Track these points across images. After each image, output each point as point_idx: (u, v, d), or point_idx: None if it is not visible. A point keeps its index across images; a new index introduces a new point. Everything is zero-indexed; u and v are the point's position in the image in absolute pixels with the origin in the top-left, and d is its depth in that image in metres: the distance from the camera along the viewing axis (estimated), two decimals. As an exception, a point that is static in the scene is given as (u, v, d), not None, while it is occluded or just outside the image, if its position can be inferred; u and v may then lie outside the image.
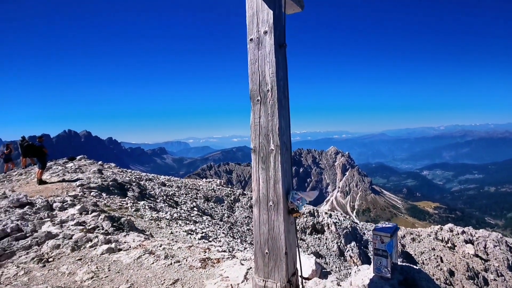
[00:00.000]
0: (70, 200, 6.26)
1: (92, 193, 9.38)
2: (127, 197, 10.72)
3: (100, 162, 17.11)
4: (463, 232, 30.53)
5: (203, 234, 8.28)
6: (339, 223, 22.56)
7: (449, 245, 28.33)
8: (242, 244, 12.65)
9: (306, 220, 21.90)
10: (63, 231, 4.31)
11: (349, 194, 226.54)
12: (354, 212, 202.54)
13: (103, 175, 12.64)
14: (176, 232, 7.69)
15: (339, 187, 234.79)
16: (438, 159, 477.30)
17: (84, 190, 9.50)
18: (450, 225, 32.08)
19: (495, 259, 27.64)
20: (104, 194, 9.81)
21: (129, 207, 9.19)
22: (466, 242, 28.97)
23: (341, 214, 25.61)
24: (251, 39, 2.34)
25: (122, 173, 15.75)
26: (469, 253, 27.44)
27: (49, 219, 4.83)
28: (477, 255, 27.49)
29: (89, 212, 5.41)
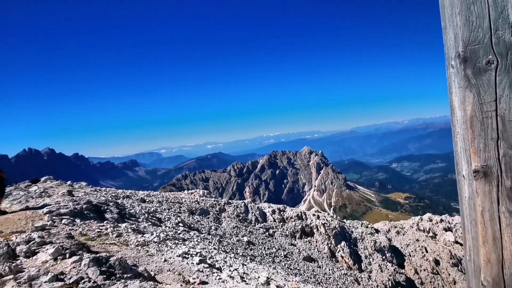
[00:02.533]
0: (39, 236, 5.01)
1: (63, 221, 8.05)
2: (106, 221, 9.45)
3: (69, 182, 15.39)
4: (442, 220, 31.65)
5: (200, 257, 7.32)
6: (328, 224, 22.28)
7: (431, 234, 29.17)
8: (237, 258, 11.75)
9: (295, 224, 21.36)
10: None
11: (325, 192, 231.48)
12: (331, 209, 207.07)
13: (74, 197, 11.17)
14: (170, 258, 6.67)
15: (315, 186, 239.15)
16: (405, 152, 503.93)
17: (54, 218, 8.14)
18: (429, 214, 33.17)
19: (472, 243, 28.85)
20: (78, 220, 8.50)
21: (110, 233, 7.99)
22: (446, 230, 30.01)
23: (328, 214, 25.42)
24: None
25: (95, 192, 14.21)
26: (449, 241, 28.40)
27: (11, 276, 3.44)
28: (457, 242, 28.51)
29: (67, 256, 4.21)
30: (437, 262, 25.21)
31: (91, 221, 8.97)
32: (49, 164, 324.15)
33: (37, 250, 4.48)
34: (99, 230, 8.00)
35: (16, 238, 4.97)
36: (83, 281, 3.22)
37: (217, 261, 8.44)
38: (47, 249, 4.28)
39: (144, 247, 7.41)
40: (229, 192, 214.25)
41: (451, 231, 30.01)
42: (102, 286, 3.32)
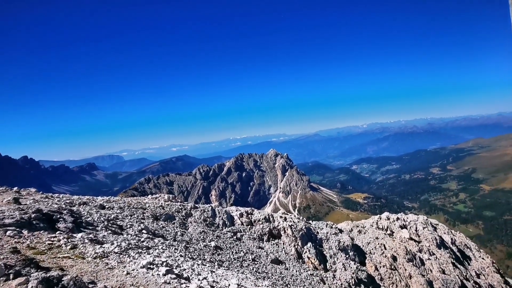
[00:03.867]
0: None
1: (8, 233, 7.12)
2: (58, 231, 8.56)
3: (15, 188, 13.83)
4: (398, 218, 33.69)
5: (167, 267, 6.88)
6: (295, 226, 22.55)
7: (389, 232, 30.89)
8: (205, 265, 11.34)
9: (263, 226, 21.33)
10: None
11: (290, 193, 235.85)
12: (296, 210, 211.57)
13: (21, 206, 10.02)
14: (133, 270, 6.16)
15: (280, 188, 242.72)
16: (364, 154, 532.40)
17: (-4, 229, 7.18)
18: (386, 213, 35.15)
19: (426, 239, 31.03)
20: (25, 232, 7.58)
21: (63, 245, 7.22)
22: (401, 227, 31.98)
23: (295, 216, 25.76)
24: None
25: (47, 199, 12.92)
26: (405, 237, 30.28)
27: None
28: (411, 238, 30.49)
29: (11, 276, 3.57)
30: (394, 258, 26.71)
31: (41, 232, 8.07)
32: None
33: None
34: (50, 242, 7.21)
35: None
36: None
37: (184, 269, 8.02)
38: None
39: (103, 259, 6.79)
40: (194, 196, 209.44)
41: (406, 228, 32.08)
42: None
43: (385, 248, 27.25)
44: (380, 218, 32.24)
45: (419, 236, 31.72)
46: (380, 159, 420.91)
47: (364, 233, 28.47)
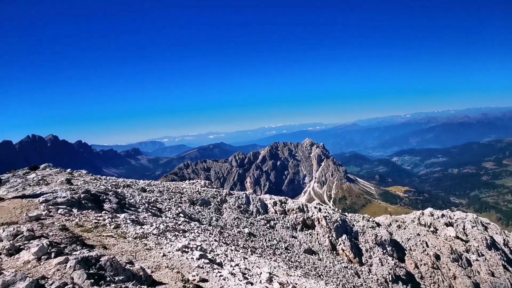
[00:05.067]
0: (28, 230, 4.68)
1: (60, 211, 7.78)
2: (104, 211, 9.19)
3: (68, 170, 15.12)
4: (443, 215, 31.43)
5: (201, 251, 7.05)
6: (329, 217, 22.07)
7: (432, 229, 29.00)
8: (238, 251, 11.54)
9: (296, 216, 21.17)
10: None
11: (326, 184, 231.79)
12: (331, 201, 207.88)
13: (72, 186, 10.90)
14: (169, 253, 6.40)
15: (315, 178, 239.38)
16: (406, 145, 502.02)
17: (50, 207, 7.86)
18: (430, 209, 32.97)
19: (474, 239, 28.68)
20: (75, 210, 8.23)
21: (107, 224, 7.72)
22: (447, 225, 29.83)
23: (330, 207, 25.19)
24: None
25: (95, 181, 13.95)
26: (450, 236, 28.24)
27: None
28: (458, 237, 28.35)
29: (52, 255, 3.85)
30: (437, 257, 25.10)
31: (89, 211, 8.70)
32: (53, 151, 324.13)
33: (22, 247, 4.15)
34: (96, 221, 7.73)
35: (3, 231, 4.66)
36: (66, 287, 2.88)
37: (218, 255, 8.19)
38: (32, 247, 3.94)
39: (142, 239, 7.14)
40: (230, 182, 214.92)
41: (452, 226, 29.84)
42: (88, 293, 2.98)
43: (427, 246, 25.67)
44: (423, 214, 30.33)
45: (466, 235, 29.40)
46: (424, 151, 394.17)
47: (404, 228, 27.04)
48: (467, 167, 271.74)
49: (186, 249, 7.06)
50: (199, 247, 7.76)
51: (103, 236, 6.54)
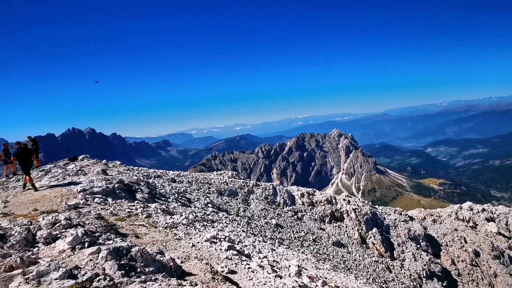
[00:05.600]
0: (65, 218, 4.93)
1: (96, 200, 8.17)
2: (136, 200, 9.53)
3: (104, 161, 15.89)
4: (483, 210, 29.38)
5: (229, 242, 7.07)
6: (359, 209, 21.44)
7: (471, 224, 27.24)
8: (266, 242, 11.54)
9: (324, 208, 20.79)
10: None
11: (354, 176, 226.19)
12: (360, 192, 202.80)
13: (107, 176, 11.41)
14: (198, 243, 6.48)
15: (343, 169, 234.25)
16: (442, 136, 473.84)
17: (87, 196, 8.28)
18: (469, 203, 30.93)
19: (518, 235, 26.64)
20: (110, 200, 8.60)
21: (140, 213, 7.98)
22: (488, 220, 27.88)
23: (359, 199, 24.47)
24: None
25: (128, 171, 14.55)
26: (492, 232, 26.40)
27: (21, 270, 3.17)
28: (500, 233, 26.46)
29: (86, 245, 3.98)
30: (477, 254, 23.62)
31: (122, 200, 9.05)
32: (91, 143, 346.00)
33: (59, 235, 4.36)
34: (129, 210, 8.01)
35: (43, 219, 4.94)
36: (97, 278, 2.91)
37: (246, 246, 8.20)
38: (68, 235, 4.10)
39: (172, 229, 7.30)
40: (256, 173, 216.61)
41: (494, 221, 27.84)
42: (119, 284, 3.00)
43: (466, 242, 24.21)
44: (461, 208, 28.54)
45: (510, 231, 27.35)
46: (462, 142, 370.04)
47: (440, 223, 25.65)
48: (510, 159, 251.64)
49: (215, 240, 7.12)
50: (227, 238, 7.81)
51: (136, 225, 6.76)
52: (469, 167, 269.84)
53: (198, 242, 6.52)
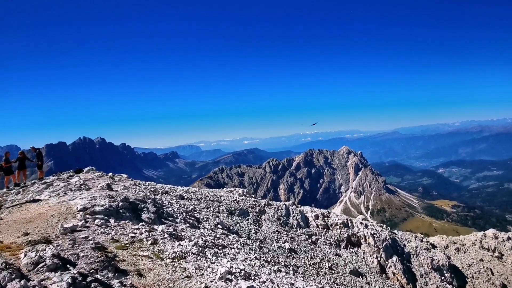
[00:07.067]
0: (53, 255, 3.93)
1: (96, 221, 7.26)
2: (142, 222, 8.57)
3: (110, 174, 15.11)
4: (509, 238, 27.37)
5: (248, 282, 6.01)
6: (377, 234, 19.95)
7: (497, 254, 25.27)
8: (281, 271, 10.37)
9: (340, 232, 19.41)
10: None
11: (363, 194, 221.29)
12: (369, 212, 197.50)
13: (112, 192, 10.55)
14: (211, 283, 5.45)
15: (352, 187, 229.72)
16: (454, 156, 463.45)
17: (87, 216, 7.39)
18: (493, 230, 28.90)
19: (547, 268, 24.50)
20: (112, 221, 7.68)
21: (144, 239, 7.02)
22: (514, 250, 25.89)
23: (377, 223, 22.97)
24: None
25: (135, 186, 13.68)
26: (520, 263, 24.38)
27: None
28: (528, 265, 24.40)
29: None
30: (504, 287, 21.70)
31: (126, 221, 8.13)
32: (100, 152, 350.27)
33: (42, 281, 3.40)
34: (133, 235, 7.06)
35: (25, 256, 4.01)
36: None
37: (264, 282, 7.08)
38: (63, 280, 3.15)
39: (181, 261, 6.29)
40: (263, 189, 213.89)
41: (521, 251, 25.83)
42: None
43: (492, 274, 22.30)
44: (485, 236, 26.61)
45: (538, 263, 25.22)
46: (475, 163, 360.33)
47: (464, 252, 23.81)
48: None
49: (230, 276, 6.07)
50: (242, 272, 6.75)
51: (139, 256, 5.79)
52: (483, 190, 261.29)
53: (211, 281, 5.48)
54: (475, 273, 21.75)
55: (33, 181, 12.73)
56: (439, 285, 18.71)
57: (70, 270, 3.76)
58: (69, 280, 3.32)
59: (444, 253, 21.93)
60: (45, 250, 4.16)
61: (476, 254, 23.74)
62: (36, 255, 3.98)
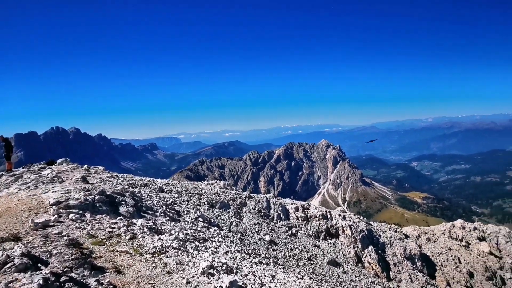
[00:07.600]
0: (21, 255, 3.62)
1: (71, 216, 6.90)
2: (120, 216, 8.27)
3: (85, 166, 14.45)
4: (475, 228, 29.11)
5: (228, 275, 5.96)
6: (354, 226, 20.58)
7: (464, 243, 26.84)
8: (262, 263, 10.44)
9: (319, 223, 19.83)
10: None
11: (340, 186, 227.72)
12: (346, 204, 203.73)
13: (87, 185, 10.09)
14: (193, 278, 5.34)
15: (330, 180, 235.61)
16: (426, 151, 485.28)
17: (60, 211, 7.00)
18: (461, 221, 30.64)
19: (508, 255, 26.35)
20: (87, 215, 7.34)
21: (123, 234, 6.77)
22: (479, 239, 27.59)
23: (354, 215, 23.66)
24: None
25: (112, 179, 13.18)
26: (484, 251, 26.07)
27: None
28: (491, 253, 26.16)
29: None
30: (471, 275, 23.11)
31: (103, 215, 7.80)
32: (75, 143, 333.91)
33: (10, 283, 3.15)
34: (111, 230, 6.79)
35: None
36: None
37: (245, 275, 7.07)
38: (33, 282, 2.91)
39: (161, 255, 6.12)
40: (244, 181, 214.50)
41: (485, 240, 27.60)
42: None
43: (460, 262, 23.69)
44: (454, 226, 28.17)
45: (500, 251, 27.08)
46: (445, 157, 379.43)
47: (434, 241, 25.11)
48: (491, 176, 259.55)
49: (212, 271, 5.99)
50: (224, 266, 6.69)
51: (117, 251, 5.57)
52: (452, 182, 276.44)
53: (193, 277, 5.38)
54: (444, 261, 23.02)
55: (0, 173, 11.95)
56: (411, 273, 19.66)
57: (42, 269, 3.52)
58: (40, 282, 3.07)
59: (416, 243, 23.01)
60: (13, 248, 3.84)
61: (445, 244, 25.10)
62: (3, 254, 3.66)
